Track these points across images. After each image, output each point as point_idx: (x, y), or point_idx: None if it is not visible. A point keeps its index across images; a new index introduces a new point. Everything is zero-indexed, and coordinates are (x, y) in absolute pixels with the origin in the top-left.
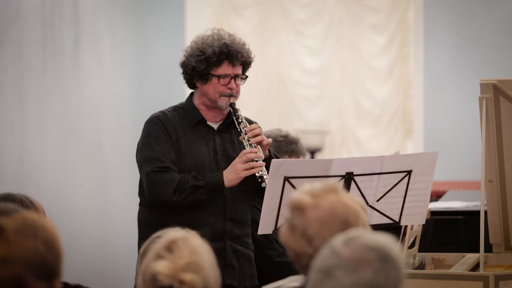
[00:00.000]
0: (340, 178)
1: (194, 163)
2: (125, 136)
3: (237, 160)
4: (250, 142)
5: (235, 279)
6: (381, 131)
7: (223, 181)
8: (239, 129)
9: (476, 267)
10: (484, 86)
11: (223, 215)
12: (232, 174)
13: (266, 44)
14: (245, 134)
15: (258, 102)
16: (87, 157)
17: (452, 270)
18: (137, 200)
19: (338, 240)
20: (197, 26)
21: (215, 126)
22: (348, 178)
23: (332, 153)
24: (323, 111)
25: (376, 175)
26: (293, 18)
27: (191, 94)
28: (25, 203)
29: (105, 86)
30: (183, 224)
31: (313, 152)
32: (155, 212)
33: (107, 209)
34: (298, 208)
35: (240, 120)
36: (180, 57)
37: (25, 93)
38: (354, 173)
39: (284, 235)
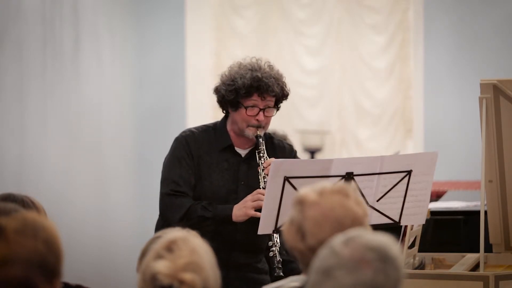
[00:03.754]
0: (340, 178)
1: (211, 192)
2: (125, 136)
3: (248, 197)
4: (265, 179)
5: None
6: (381, 131)
7: (231, 216)
8: (259, 163)
9: (476, 267)
10: (484, 86)
11: (231, 245)
12: (241, 211)
13: (266, 44)
14: (263, 170)
15: None
16: (87, 157)
17: (452, 270)
18: (137, 200)
19: (337, 240)
20: (197, 26)
21: (243, 152)
22: (348, 178)
23: (332, 153)
24: (323, 111)
25: (376, 175)
26: (293, 18)
27: (226, 116)
28: (26, 203)
29: (105, 86)
30: None
31: (313, 152)
32: (170, 225)
33: (107, 209)
34: (300, 203)
35: (261, 155)
36: (179, 57)
37: (25, 93)
38: (354, 173)
39: (284, 227)
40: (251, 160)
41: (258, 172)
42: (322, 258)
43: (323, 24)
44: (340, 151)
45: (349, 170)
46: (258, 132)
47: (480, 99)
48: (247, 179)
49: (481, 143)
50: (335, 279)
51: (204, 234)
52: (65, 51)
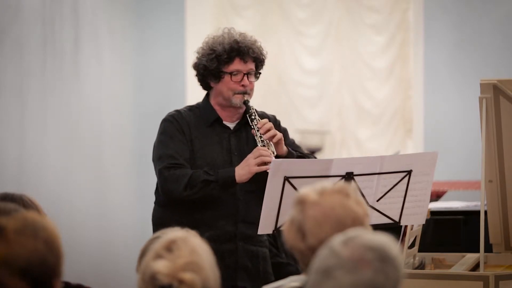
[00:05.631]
0: (340, 178)
1: (206, 164)
2: (125, 136)
3: (250, 155)
4: (262, 138)
5: (248, 281)
6: (381, 131)
7: (234, 176)
8: (251, 125)
9: (476, 267)
10: (484, 86)
11: (234, 217)
12: (244, 169)
13: (266, 44)
14: (257, 130)
15: (258, 102)
16: (87, 156)
17: (452, 270)
18: (137, 200)
19: (337, 240)
20: (197, 26)
21: (231, 125)
22: (348, 178)
23: (332, 153)
24: (323, 111)
25: (376, 175)
26: (293, 18)
27: (207, 94)
28: (26, 202)
29: (105, 86)
30: (194, 224)
31: (313, 152)
32: (168, 211)
33: (107, 209)
34: (300, 203)
35: (253, 117)
36: (179, 57)
37: (25, 93)
38: (354, 173)
39: (284, 227)
40: (240, 132)
41: (254, 134)
42: (321, 258)
43: (323, 24)
44: (340, 151)
45: (349, 170)
46: (245, 98)
47: (480, 99)
48: (239, 150)
49: (481, 143)
50: (334, 279)
51: (211, 211)
52: (65, 51)
